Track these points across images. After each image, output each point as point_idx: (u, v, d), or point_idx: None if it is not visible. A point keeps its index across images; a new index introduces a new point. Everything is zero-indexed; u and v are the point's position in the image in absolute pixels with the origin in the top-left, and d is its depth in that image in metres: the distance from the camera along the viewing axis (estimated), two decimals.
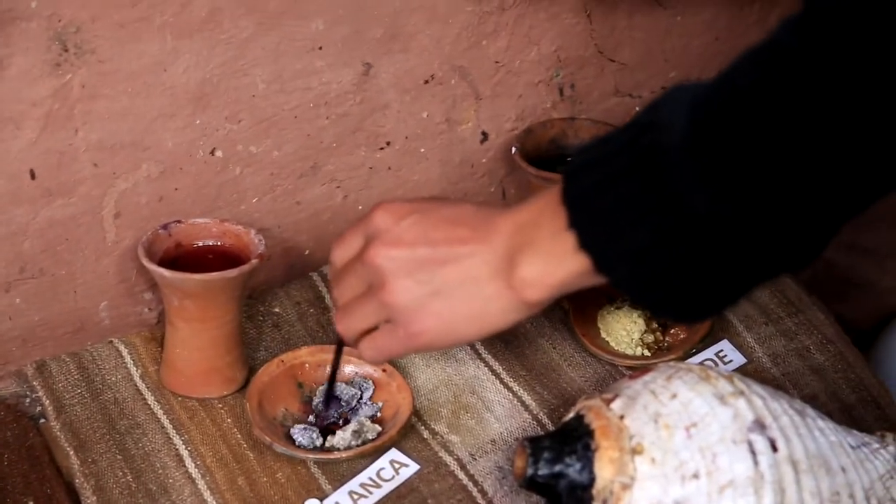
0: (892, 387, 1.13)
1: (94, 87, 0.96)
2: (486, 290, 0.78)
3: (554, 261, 0.75)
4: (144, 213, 1.03)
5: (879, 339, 1.32)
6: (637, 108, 1.09)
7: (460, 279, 0.78)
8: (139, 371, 1.02)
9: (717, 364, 1.02)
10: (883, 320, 1.33)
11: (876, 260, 1.33)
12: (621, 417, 0.84)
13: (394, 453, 0.95)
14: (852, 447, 0.85)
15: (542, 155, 1.12)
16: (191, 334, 0.98)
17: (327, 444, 0.95)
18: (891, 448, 0.86)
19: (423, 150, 1.13)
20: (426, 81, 1.11)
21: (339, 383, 0.99)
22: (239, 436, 0.97)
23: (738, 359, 1.03)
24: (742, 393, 0.84)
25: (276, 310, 1.08)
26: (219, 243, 1.01)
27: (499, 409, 0.99)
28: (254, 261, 0.97)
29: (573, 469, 0.84)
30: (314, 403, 0.98)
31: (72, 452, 0.95)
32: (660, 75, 1.22)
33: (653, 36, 1.19)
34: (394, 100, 1.10)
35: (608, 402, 0.85)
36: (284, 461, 0.94)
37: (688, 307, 0.73)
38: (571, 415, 0.87)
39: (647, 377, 0.86)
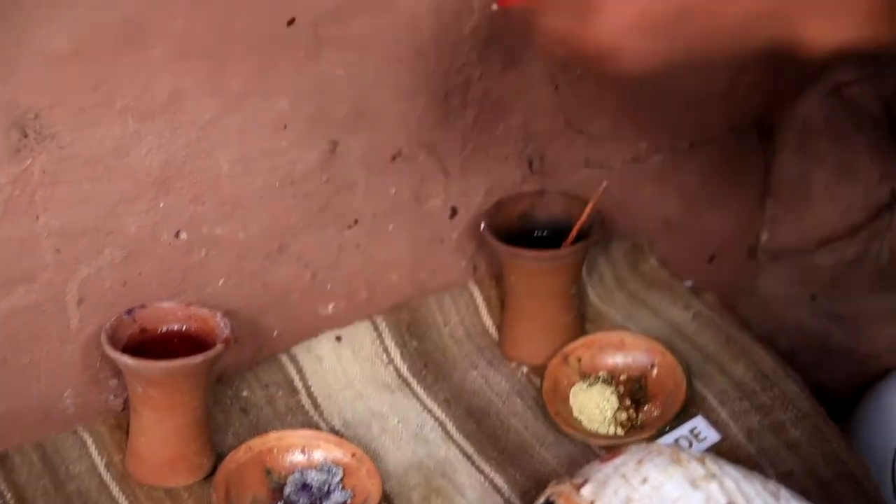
0: (872, 455, 1.12)
1: (54, 172, 0.95)
2: None
3: None
4: (108, 298, 1.01)
5: (859, 405, 1.31)
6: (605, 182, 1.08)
7: None
8: (104, 461, 1.00)
9: (691, 442, 1.01)
10: (862, 387, 1.32)
11: (853, 327, 1.32)
12: (592, 503, 0.82)
13: None
14: None
15: (512, 229, 1.11)
16: (156, 422, 0.96)
17: None
18: None
19: (391, 227, 1.12)
20: (393, 158, 1.10)
21: (308, 469, 0.97)
22: None
23: (712, 436, 1.02)
24: (714, 476, 0.82)
25: (245, 393, 1.06)
26: (184, 328, 1.00)
27: (470, 493, 0.98)
28: (219, 346, 0.96)
29: None
30: (285, 492, 0.97)
31: None
32: (630, 146, 1.22)
33: (622, 106, 1.19)
34: (361, 177, 1.09)
35: (578, 487, 0.84)
36: None
37: None
38: (541, 500, 0.85)
39: (618, 460, 0.85)
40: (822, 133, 1.28)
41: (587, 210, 1.08)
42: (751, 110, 1.26)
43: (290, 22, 1.00)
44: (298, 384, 1.07)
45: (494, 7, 0.69)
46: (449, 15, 1.06)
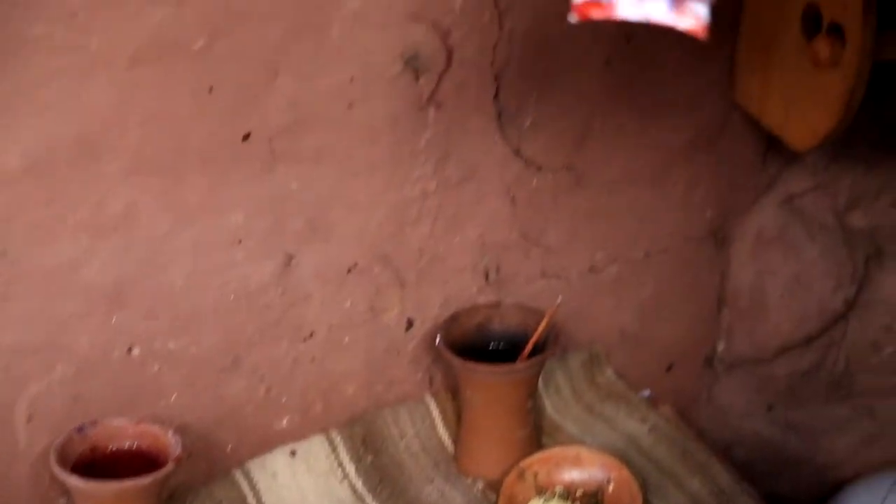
0: None
1: (5, 288, 0.94)
2: None
3: None
4: (59, 415, 1.00)
5: None
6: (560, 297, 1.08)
7: None
8: None
9: None
10: (821, 498, 1.31)
11: (810, 436, 1.32)
12: None
13: None
14: None
15: (468, 341, 1.11)
16: None
17: None
18: None
19: (347, 339, 1.12)
20: (349, 270, 1.10)
21: None
22: None
23: None
24: None
25: None
26: (136, 445, 0.98)
27: None
28: (170, 465, 0.94)
29: None
30: None
31: None
32: (586, 257, 1.22)
33: (577, 218, 1.19)
34: (316, 290, 1.09)
35: None
36: None
37: None
38: None
39: None
40: (775, 243, 1.29)
41: (543, 325, 1.08)
42: (706, 220, 1.27)
43: (246, 137, 1.00)
44: (252, 501, 1.05)
45: (573, 20, 0.72)
46: (405, 128, 1.06)
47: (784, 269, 1.30)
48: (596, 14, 0.72)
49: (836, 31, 1.03)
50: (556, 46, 1.09)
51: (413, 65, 1.04)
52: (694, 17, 0.71)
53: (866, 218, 1.31)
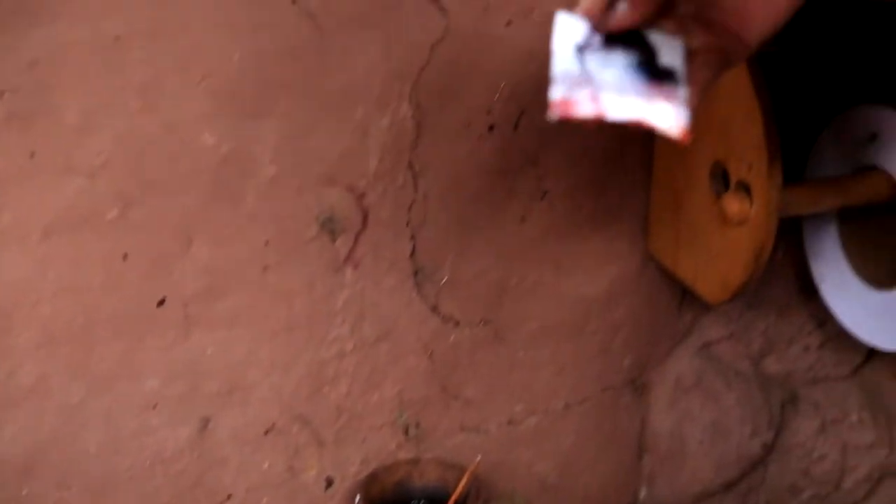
0: None
1: None
2: None
3: None
4: None
5: None
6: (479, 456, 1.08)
7: None
8: None
9: None
10: None
11: None
12: None
13: None
14: None
15: (388, 500, 1.10)
16: None
17: None
18: None
19: (265, 501, 1.10)
20: (266, 432, 1.08)
21: None
22: None
23: None
24: None
25: None
26: None
27: None
28: None
29: None
30: None
31: None
32: (506, 409, 1.22)
33: (496, 371, 1.19)
34: (233, 452, 1.07)
35: None
36: None
37: None
38: None
39: None
40: (693, 390, 1.30)
41: (463, 482, 1.07)
42: (624, 369, 1.27)
43: (161, 303, 0.99)
44: None
45: (554, 118, 0.68)
46: (321, 289, 1.06)
47: (702, 416, 1.31)
48: (581, 112, 0.68)
49: (744, 189, 1.05)
50: (472, 205, 1.11)
51: (329, 227, 1.04)
52: (675, 120, 0.68)
53: (781, 363, 1.33)
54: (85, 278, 0.95)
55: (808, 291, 1.21)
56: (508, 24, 1.04)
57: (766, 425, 1.32)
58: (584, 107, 0.68)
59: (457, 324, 1.15)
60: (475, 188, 1.10)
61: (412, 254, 1.10)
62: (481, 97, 1.06)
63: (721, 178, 1.08)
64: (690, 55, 0.72)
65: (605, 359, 1.26)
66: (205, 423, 1.05)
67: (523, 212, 1.14)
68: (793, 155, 1.18)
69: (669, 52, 0.72)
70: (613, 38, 0.72)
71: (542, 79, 1.05)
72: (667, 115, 0.68)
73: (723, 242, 1.09)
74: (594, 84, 0.69)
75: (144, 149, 0.93)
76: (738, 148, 1.05)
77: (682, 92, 0.69)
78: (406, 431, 1.17)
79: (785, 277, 1.29)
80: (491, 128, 1.08)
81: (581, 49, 0.71)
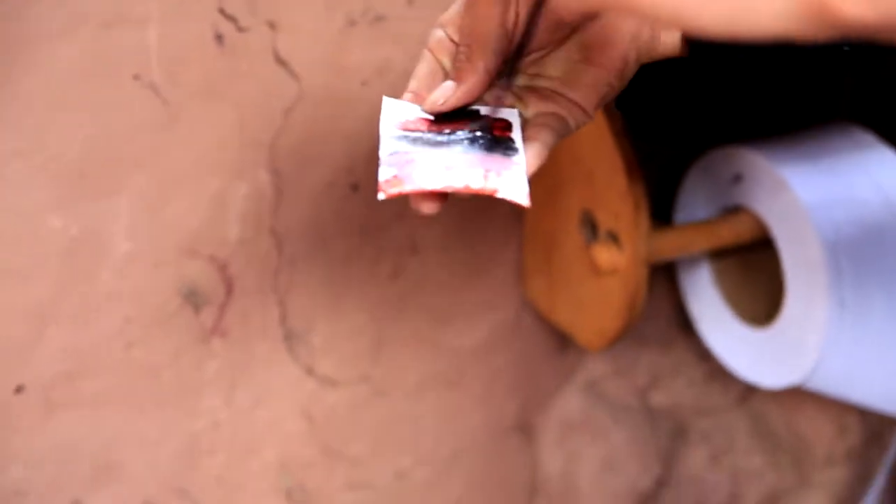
0: None
1: None
2: None
3: None
4: None
5: None
6: None
7: None
8: None
9: None
10: None
11: None
12: None
13: None
14: None
15: None
16: None
17: None
18: None
19: None
20: None
21: None
22: None
23: None
24: None
25: None
26: None
27: None
28: None
29: None
30: None
31: None
32: (392, 463, 1.20)
33: (380, 427, 1.18)
34: None
35: None
36: None
37: None
38: None
39: None
40: (581, 428, 1.30)
41: None
42: (510, 414, 1.27)
43: (19, 390, 0.96)
44: None
45: (381, 197, 0.65)
46: (189, 361, 1.04)
47: (592, 454, 1.30)
48: (406, 188, 0.66)
49: (613, 239, 1.04)
50: (341, 265, 1.09)
51: (192, 299, 1.02)
52: (515, 188, 0.66)
53: (667, 397, 1.33)
54: None
55: (690, 325, 1.21)
56: (364, 83, 1.02)
57: (656, 459, 1.32)
58: (412, 183, 0.66)
59: (334, 384, 1.13)
60: (343, 248, 1.08)
61: (282, 319, 1.07)
62: (342, 158, 1.04)
63: (590, 227, 1.07)
64: (527, 123, 0.71)
65: (488, 405, 1.25)
66: None
67: (395, 268, 1.12)
68: (663, 196, 1.18)
69: (504, 121, 0.71)
70: (444, 115, 0.71)
71: None
72: (505, 183, 0.66)
73: (596, 291, 1.08)
74: (425, 161, 0.68)
75: None
76: (604, 198, 1.04)
77: (520, 159, 0.68)
78: (290, 496, 1.15)
79: (667, 312, 1.29)
80: (355, 187, 1.06)
81: (410, 130, 0.70)
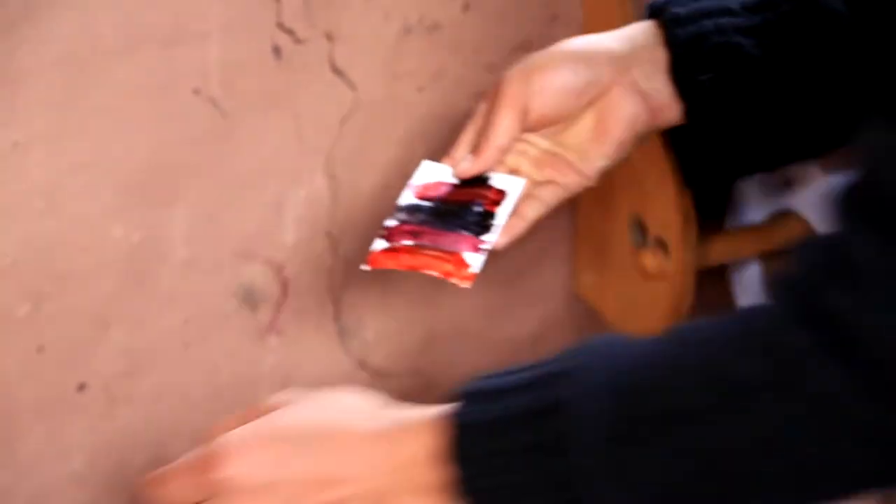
0: None
1: None
2: None
3: None
4: None
5: None
6: None
7: None
8: None
9: None
10: None
11: None
12: None
13: None
14: None
15: None
16: None
17: None
18: None
19: None
20: None
21: None
22: None
23: None
24: None
25: None
26: None
27: None
28: None
29: None
30: None
31: None
32: None
33: None
34: None
35: None
36: None
37: None
38: None
39: None
40: None
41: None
42: None
43: (81, 387, 1.00)
44: None
45: (366, 268, 0.81)
46: (246, 359, 1.07)
47: None
48: (388, 264, 0.83)
49: (661, 245, 1.06)
50: None
51: (249, 300, 1.04)
52: (466, 268, 0.82)
53: None
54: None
55: None
56: (420, 89, 1.04)
57: None
58: (395, 261, 0.83)
59: (386, 376, 1.16)
60: None
61: (336, 316, 1.10)
62: (396, 161, 1.06)
63: (640, 232, 1.08)
64: (532, 187, 0.85)
65: None
66: (134, 498, 1.06)
67: None
68: (714, 199, 1.18)
69: (508, 190, 0.84)
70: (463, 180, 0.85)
71: (455, 139, 1.05)
72: (462, 265, 0.82)
73: (645, 293, 1.10)
74: (412, 235, 0.84)
75: (52, 246, 0.93)
76: (653, 205, 1.05)
77: (492, 238, 0.83)
78: None
79: (717, 308, 1.29)
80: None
81: (425, 199, 0.85)
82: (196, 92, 0.94)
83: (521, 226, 0.85)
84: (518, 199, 0.84)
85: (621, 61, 0.83)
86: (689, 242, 1.02)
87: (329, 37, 0.98)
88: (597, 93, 0.82)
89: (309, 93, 0.98)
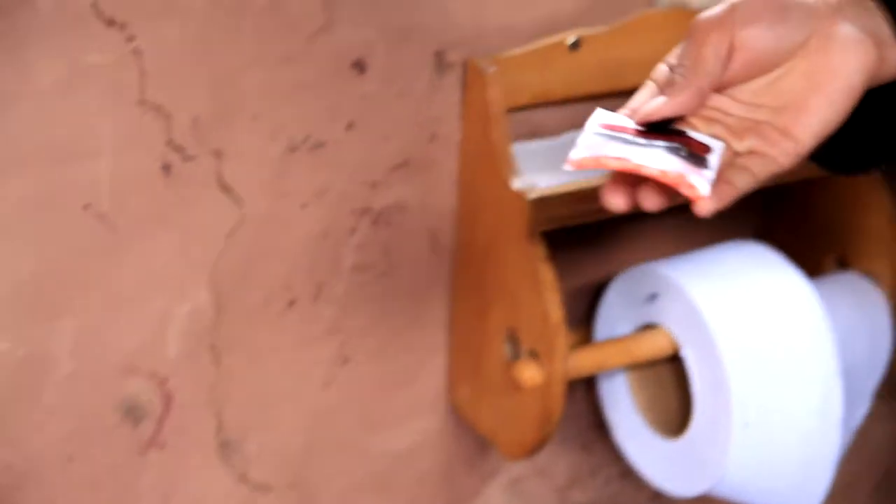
0: None
1: None
2: None
3: None
4: None
5: None
6: None
7: None
8: None
9: None
10: None
11: None
12: None
13: None
14: None
15: None
16: None
17: None
18: None
19: None
20: None
21: None
22: None
23: None
24: None
25: None
26: None
27: None
28: None
29: None
30: None
31: None
32: None
33: None
34: None
35: None
36: None
37: None
38: None
39: None
40: None
41: None
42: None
43: None
44: None
45: (568, 168, 0.65)
46: (126, 474, 1.07)
47: None
48: (610, 164, 0.66)
49: (534, 357, 1.10)
50: (276, 377, 1.13)
51: (132, 414, 1.05)
52: (700, 186, 0.66)
53: (585, 495, 1.38)
54: None
55: (607, 427, 1.26)
56: (304, 206, 1.07)
57: None
58: (610, 161, 0.66)
59: (267, 490, 1.17)
60: (279, 361, 1.12)
61: (218, 429, 1.11)
62: (280, 276, 1.08)
63: (513, 344, 1.12)
64: (733, 159, 0.71)
65: None
66: None
67: (327, 378, 1.16)
68: (585, 310, 1.23)
69: (711, 145, 0.70)
70: (651, 128, 0.69)
71: (338, 254, 1.08)
72: (694, 181, 0.66)
73: (516, 404, 1.13)
74: (619, 149, 0.67)
75: None
76: (526, 318, 1.09)
77: (711, 175, 0.67)
78: None
79: (586, 414, 1.34)
80: (291, 303, 1.10)
81: (612, 129, 0.69)
82: (86, 207, 0.96)
83: (731, 193, 0.69)
84: (720, 161, 0.69)
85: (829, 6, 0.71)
86: (560, 355, 1.07)
87: (217, 154, 1.01)
88: (809, 33, 0.70)
89: (196, 208, 1.01)
